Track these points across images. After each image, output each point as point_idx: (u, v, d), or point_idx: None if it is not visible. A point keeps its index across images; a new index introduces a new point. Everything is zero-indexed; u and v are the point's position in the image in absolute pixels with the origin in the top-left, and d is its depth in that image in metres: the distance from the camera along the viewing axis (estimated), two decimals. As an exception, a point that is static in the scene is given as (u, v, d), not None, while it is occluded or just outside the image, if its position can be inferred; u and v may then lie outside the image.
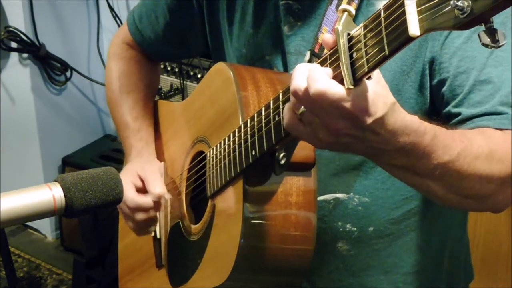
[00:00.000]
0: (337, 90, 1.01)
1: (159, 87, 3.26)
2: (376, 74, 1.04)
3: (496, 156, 1.21)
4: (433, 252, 1.54)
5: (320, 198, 1.42)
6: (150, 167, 1.66)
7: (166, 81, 3.29)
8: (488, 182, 1.20)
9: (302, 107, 1.08)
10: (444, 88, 1.33)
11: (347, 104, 1.02)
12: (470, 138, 1.20)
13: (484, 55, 1.30)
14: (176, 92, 3.29)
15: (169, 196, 1.64)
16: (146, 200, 1.62)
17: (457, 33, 1.31)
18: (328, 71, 1.04)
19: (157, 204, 1.63)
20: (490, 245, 2.57)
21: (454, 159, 1.16)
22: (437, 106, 1.36)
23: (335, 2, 1.36)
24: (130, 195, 1.62)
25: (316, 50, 1.35)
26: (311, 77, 1.03)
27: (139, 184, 1.64)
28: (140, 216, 1.63)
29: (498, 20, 0.90)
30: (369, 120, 1.04)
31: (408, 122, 1.09)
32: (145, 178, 1.63)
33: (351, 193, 1.44)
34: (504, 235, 2.55)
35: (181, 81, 3.26)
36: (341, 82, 1.02)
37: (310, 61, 1.25)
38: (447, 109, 1.33)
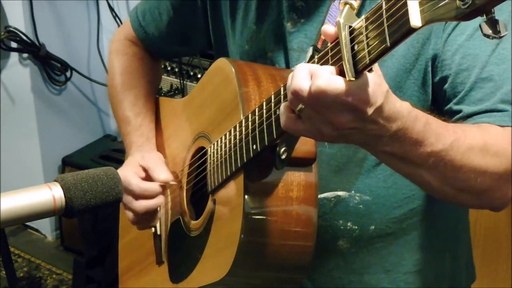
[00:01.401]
0: (338, 85, 1.01)
1: (159, 87, 3.26)
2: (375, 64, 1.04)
3: (492, 150, 1.21)
4: (435, 252, 1.53)
5: (321, 195, 1.42)
6: (151, 156, 1.65)
7: (166, 81, 3.29)
8: (483, 175, 1.21)
9: (301, 104, 1.08)
10: (446, 85, 1.33)
11: (350, 98, 1.02)
12: (465, 130, 1.21)
13: (486, 53, 1.30)
14: (176, 92, 3.29)
15: (174, 182, 1.62)
16: (152, 185, 1.60)
17: (459, 30, 1.31)
18: (331, 69, 1.04)
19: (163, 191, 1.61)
20: (490, 245, 2.57)
21: (448, 148, 1.16)
22: (439, 103, 1.37)
23: None
24: (135, 181, 1.60)
25: (319, 47, 1.35)
26: (314, 74, 1.03)
27: (142, 174, 1.62)
28: (143, 204, 1.60)
29: (500, 18, 0.90)
30: (370, 111, 1.05)
31: (399, 107, 1.10)
32: (148, 166, 1.62)
33: (352, 191, 1.44)
34: (504, 234, 2.55)
35: (181, 81, 3.26)
36: (342, 74, 1.03)
37: (312, 56, 1.25)
38: (448, 106, 1.34)
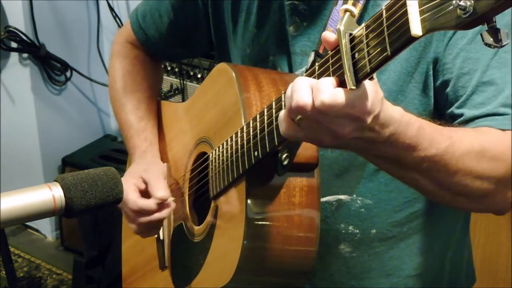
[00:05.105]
0: (340, 99, 1.01)
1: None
2: None
3: (489, 154, 1.21)
4: (435, 255, 1.53)
5: (322, 199, 1.42)
6: (154, 169, 1.64)
7: (166, 81, 3.29)
8: (480, 179, 1.21)
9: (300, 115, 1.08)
10: (448, 89, 1.33)
11: (351, 109, 1.02)
12: (460, 134, 1.21)
13: (487, 57, 1.30)
14: (176, 92, 3.29)
15: (172, 199, 1.61)
16: (148, 203, 1.58)
17: (461, 34, 1.31)
18: (332, 81, 1.04)
19: (160, 207, 1.59)
20: (490, 246, 2.57)
21: (442, 153, 1.16)
22: (441, 107, 1.37)
23: (340, 3, 1.35)
24: (132, 198, 1.58)
25: (321, 51, 1.34)
26: (315, 88, 1.03)
27: (142, 186, 1.62)
28: (143, 219, 1.60)
29: (502, 22, 0.90)
30: (370, 119, 1.05)
31: (392, 112, 1.10)
32: (148, 181, 1.61)
33: (354, 195, 1.44)
34: (504, 235, 2.54)
35: (181, 81, 3.26)
36: (343, 83, 1.02)
37: (314, 62, 1.25)
38: (450, 110, 1.34)
